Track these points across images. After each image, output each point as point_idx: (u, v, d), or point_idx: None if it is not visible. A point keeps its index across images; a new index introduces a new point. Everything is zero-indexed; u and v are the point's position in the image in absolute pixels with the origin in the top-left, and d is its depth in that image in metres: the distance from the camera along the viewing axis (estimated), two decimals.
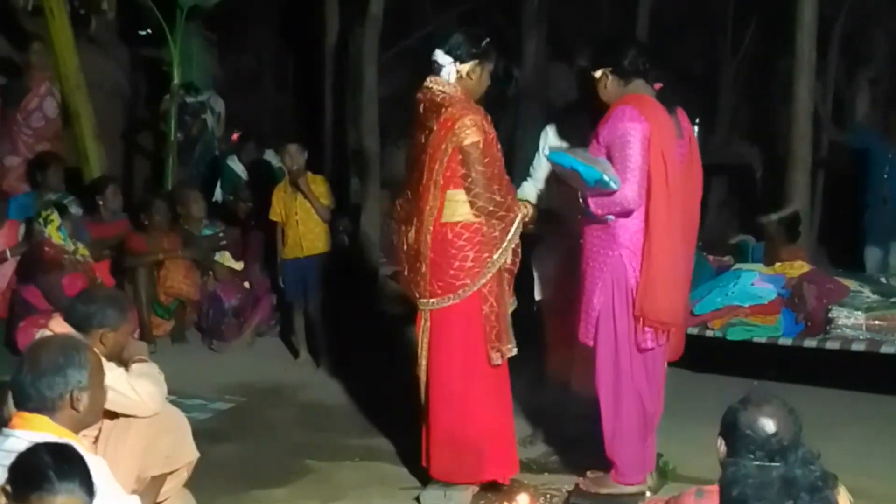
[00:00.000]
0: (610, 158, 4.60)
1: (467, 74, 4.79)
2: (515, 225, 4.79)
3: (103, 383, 3.39)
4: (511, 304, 4.96)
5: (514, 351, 4.86)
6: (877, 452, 5.51)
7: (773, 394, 3.08)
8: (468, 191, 4.71)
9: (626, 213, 4.60)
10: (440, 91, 4.77)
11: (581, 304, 4.81)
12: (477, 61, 4.79)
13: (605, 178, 4.50)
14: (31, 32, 9.04)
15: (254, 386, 6.83)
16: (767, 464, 2.29)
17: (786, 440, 2.95)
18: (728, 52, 11.00)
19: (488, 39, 4.84)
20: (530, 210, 5.08)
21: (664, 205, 4.60)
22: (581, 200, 4.66)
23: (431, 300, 4.82)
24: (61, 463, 2.77)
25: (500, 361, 4.82)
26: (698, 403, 5.78)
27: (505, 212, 4.76)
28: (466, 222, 4.74)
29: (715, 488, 2.99)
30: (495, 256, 4.76)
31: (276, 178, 8.19)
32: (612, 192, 4.54)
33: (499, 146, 4.82)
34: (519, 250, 4.91)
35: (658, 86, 4.81)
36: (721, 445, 3.08)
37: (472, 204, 4.71)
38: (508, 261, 4.85)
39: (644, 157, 4.55)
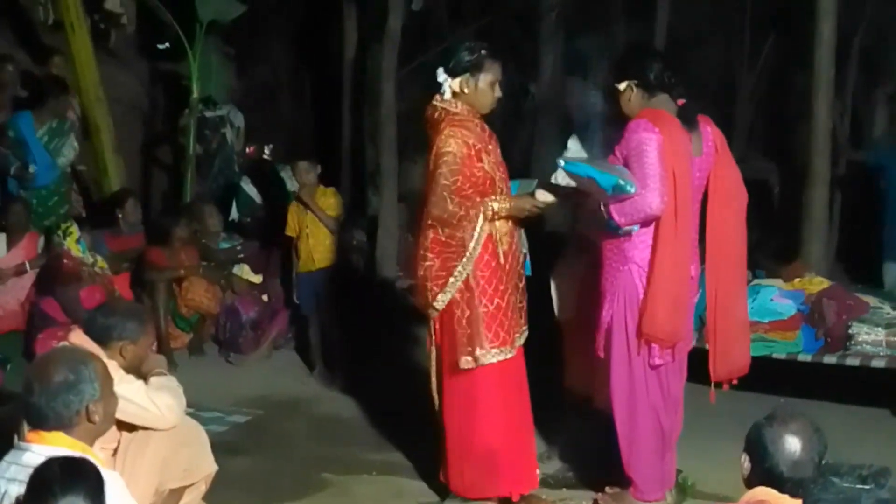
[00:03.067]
0: (628, 170, 4.58)
1: (460, 88, 4.78)
2: (476, 234, 4.69)
3: (113, 390, 3.37)
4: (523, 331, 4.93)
5: (491, 357, 4.71)
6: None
7: (800, 411, 3.06)
8: (426, 197, 4.74)
9: (650, 221, 4.56)
10: (441, 107, 4.80)
11: (594, 316, 4.81)
12: (468, 74, 4.77)
13: (622, 182, 4.46)
14: (51, 46, 9.10)
15: (270, 399, 6.83)
16: (858, 486, 2.29)
17: (814, 459, 2.95)
18: (745, 67, 10.97)
19: (483, 52, 4.79)
20: (542, 199, 4.83)
21: (671, 222, 4.58)
22: (604, 210, 4.59)
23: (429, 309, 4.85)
24: (69, 476, 2.79)
25: (470, 366, 4.72)
26: (717, 419, 5.74)
27: (457, 222, 4.69)
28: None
29: None
30: (459, 267, 4.71)
31: (288, 196, 8.28)
32: (632, 197, 4.50)
33: (487, 162, 4.76)
34: (518, 240, 4.89)
35: (681, 102, 4.79)
36: (745, 462, 3.07)
37: (427, 211, 4.73)
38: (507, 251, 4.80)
39: (663, 163, 4.51)
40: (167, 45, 9.88)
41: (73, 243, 7.27)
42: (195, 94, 9.03)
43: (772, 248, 8.15)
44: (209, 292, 7.70)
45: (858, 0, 9.43)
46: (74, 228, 7.32)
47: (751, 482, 3.06)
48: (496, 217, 4.76)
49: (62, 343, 4.12)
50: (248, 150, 10.29)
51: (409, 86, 9.75)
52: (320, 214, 7.31)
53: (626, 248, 4.66)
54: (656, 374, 4.73)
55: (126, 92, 10.03)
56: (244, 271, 8.11)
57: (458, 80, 4.78)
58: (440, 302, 4.78)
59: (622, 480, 4.86)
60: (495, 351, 4.75)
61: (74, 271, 7.20)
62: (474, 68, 4.78)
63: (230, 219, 9.17)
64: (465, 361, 4.74)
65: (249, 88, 11.27)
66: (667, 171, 4.53)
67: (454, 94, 4.80)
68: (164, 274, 7.61)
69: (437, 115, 4.81)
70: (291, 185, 8.70)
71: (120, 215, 8.05)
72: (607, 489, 4.94)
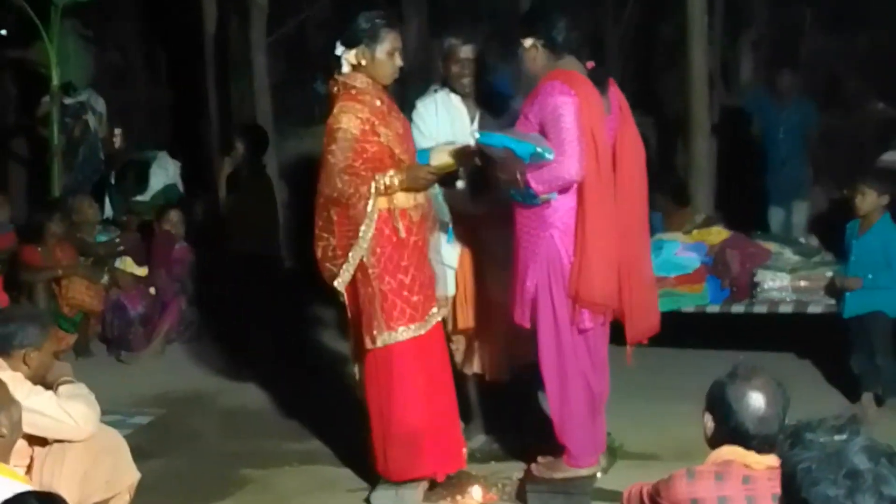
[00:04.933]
0: (544, 135, 4.47)
1: (357, 60, 4.62)
2: (369, 211, 4.52)
3: (10, 396, 3.22)
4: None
5: (398, 336, 4.59)
6: (809, 414, 5.52)
7: (760, 367, 3.01)
8: (318, 176, 4.62)
9: (569, 187, 4.47)
10: (340, 81, 4.64)
11: (515, 286, 4.68)
12: (363, 45, 4.61)
13: (539, 149, 4.36)
14: None
15: (171, 396, 6.58)
16: (836, 437, 2.18)
17: (779, 413, 2.91)
18: (611, 20, 10.99)
19: (378, 20, 4.63)
20: (437, 164, 4.71)
21: (596, 183, 4.50)
22: (520, 180, 4.45)
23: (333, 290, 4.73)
24: None
25: (370, 347, 4.61)
26: (631, 377, 5.71)
27: (346, 200, 4.54)
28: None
29: (705, 468, 2.93)
30: (355, 246, 4.56)
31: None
32: (549, 164, 4.39)
33: (385, 136, 4.61)
34: (433, 211, 4.79)
35: (590, 64, 4.68)
36: (709, 421, 3.01)
37: (319, 190, 4.60)
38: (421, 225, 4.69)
39: (580, 128, 4.42)
40: (4, 31, 9.36)
41: None
42: (55, 81, 8.57)
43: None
44: (90, 289, 7.40)
45: None
46: None
47: (715, 441, 3.00)
48: (391, 191, 4.58)
49: None
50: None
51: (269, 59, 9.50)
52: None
53: (547, 213, 4.54)
54: (584, 338, 4.65)
55: None
56: (127, 264, 7.79)
57: (353, 51, 4.62)
58: (340, 282, 4.63)
59: (554, 449, 4.78)
60: (402, 329, 4.62)
61: None
62: (370, 38, 4.61)
63: (104, 217, 8.86)
64: (367, 342, 4.61)
65: (105, 71, 10.80)
66: (585, 135, 4.45)
67: (353, 66, 4.64)
68: (42, 274, 7.28)
69: (335, 89, 4.65)
70: (165, 175, 8.45)
71: None
72: (540, 459, 4.85)
